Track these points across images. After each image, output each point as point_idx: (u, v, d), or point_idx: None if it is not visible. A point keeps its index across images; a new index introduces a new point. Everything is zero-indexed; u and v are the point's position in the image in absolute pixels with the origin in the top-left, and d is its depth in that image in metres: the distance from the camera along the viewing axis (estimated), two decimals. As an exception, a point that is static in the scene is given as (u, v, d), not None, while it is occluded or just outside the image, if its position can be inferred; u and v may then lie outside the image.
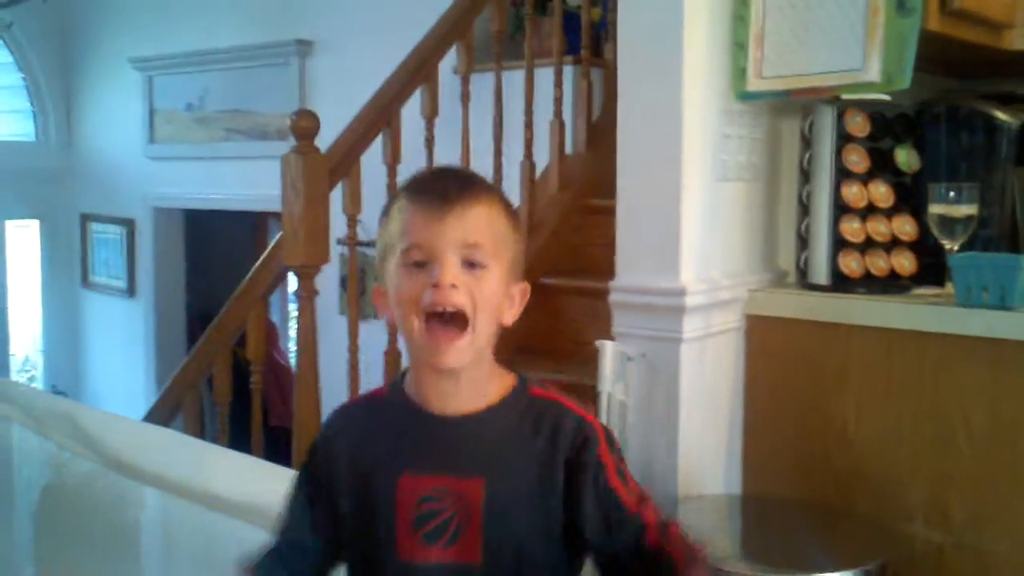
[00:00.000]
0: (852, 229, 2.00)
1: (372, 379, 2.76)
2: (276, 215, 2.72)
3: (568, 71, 3.32)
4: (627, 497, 1.13)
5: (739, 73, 1.97)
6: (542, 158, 3.24)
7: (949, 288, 1.86)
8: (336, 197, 2.68)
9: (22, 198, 5.87)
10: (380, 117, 2.84)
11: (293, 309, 6.58)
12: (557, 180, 3.21)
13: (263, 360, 3.01)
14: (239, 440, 2.93)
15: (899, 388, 1.86)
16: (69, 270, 6.06)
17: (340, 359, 2.80)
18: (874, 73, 1.81)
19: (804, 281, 2.07)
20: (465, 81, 3.08)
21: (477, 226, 1.10)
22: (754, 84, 1.95)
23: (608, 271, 2.03)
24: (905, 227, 2.03)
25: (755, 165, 2.07)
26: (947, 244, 1.90)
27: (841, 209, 2.00)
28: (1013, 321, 1.72)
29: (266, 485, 2.08)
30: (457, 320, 1.09)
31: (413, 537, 1.12)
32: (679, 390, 1.90)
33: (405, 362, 1.20)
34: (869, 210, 2.01)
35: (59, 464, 2.66)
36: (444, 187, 1.12)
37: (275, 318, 6.18)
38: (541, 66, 3.22)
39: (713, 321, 1.97)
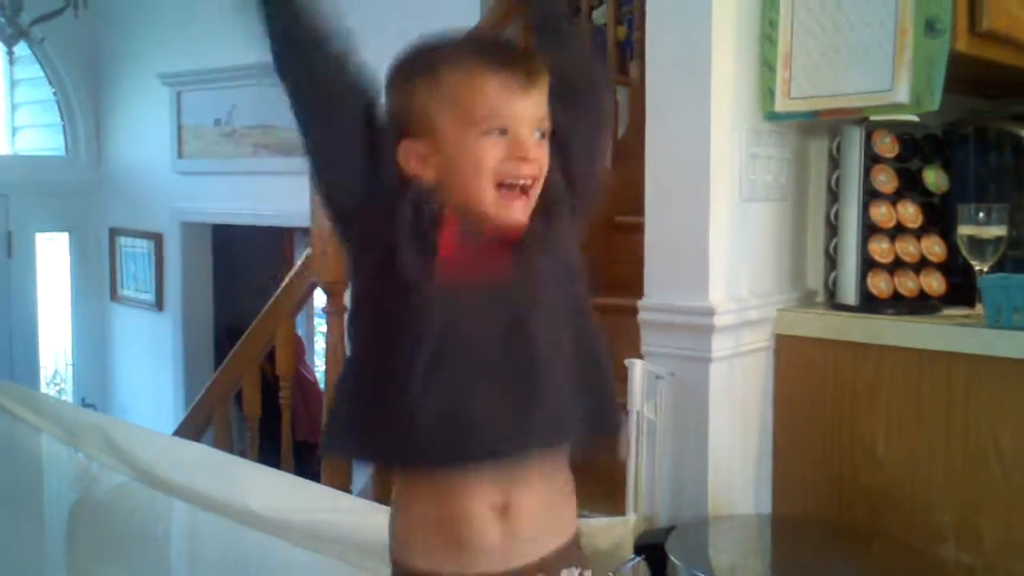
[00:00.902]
0: (881, 249, 2.00)
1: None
2: (302, 230, 2.75)
3: (594, 89, 3.33)
4: None
5: (767, 94, 1.97)
6: (568, 175, 3.25)
7: (979, 309, 1.86)
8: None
9: (52, 212, 5.95)
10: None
11: (319, 323, 6.63)
12: (583, 197, 3.22)
13: (291, 375, 3.04)
14: (266, 454, 2.96)
15: (929, 409, 1.85)
16: (98, 283, 6.13)
17: (368, 375, 2.82)
18: (903, 94, 1.81)
19: (833, 301, 2.07)
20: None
21: (545, 101, 1.19)
22: (782, 105, 1.96)
23: (633, 288, 2.04)
24: (934, 248, 2.03)
25: (783, 185, 2.08)
26: (977, 265, 1.89)
27: (870, 229, 2.00)
28: (1044, 343, 1.71)
29: (296, 500, 2.11)
30: (530, 187, 1.17)
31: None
32: (708, 409, 1.90)
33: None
34: (898, 230, 2.01)
35: (89, 477, 2.70)
36: (524, 62, 1.18)
37: (300, 332, 6.22)
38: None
39: (742, 340, 1.97)
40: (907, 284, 2.00)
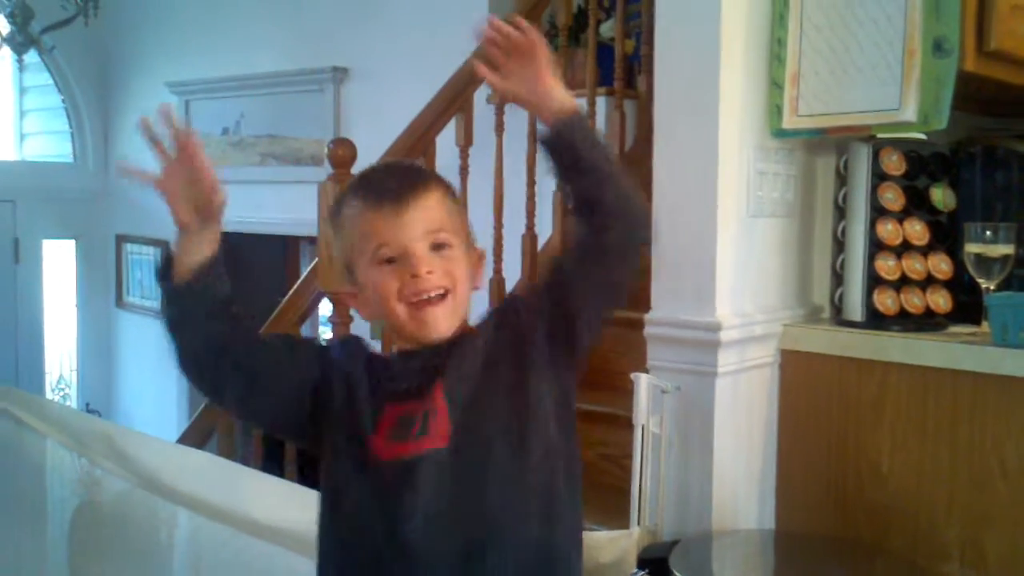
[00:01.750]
0: (887, 266, 2.00)
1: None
2: (308, 239, 2.76)
3: (601, 102, 3.35)
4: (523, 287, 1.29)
5: (775, 111, 1.98)
6: (575, 188, 3.26)
7: (985, 327, 1.86)
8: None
9: (59, 218, 5.97)
10: (416, 146, 2.88)
11: (323, 331, 6.63)
12: (590, 209, 3.23)
13: (296, 384, 3.04)
14: (269, 461, 2.96)
15: (934, 426, 1.86)
16: (104, 290, 6.15)
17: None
18: (910, 113, 1.82)
19: (839, 317, 2.08)
20: (499, 111, 3.11)
21: (435, 213, 1.23)
22: (790, 122, 1.97)
23: (638, 300, 2.05)
24: (941, 265, 2.03)
25: (790, 201, 2.08)
26: (983, 283, 1.90)
27: (876, 246, 2.00)
28: (1050, 362, 1.72)
29: (299, 510, 2.11)
30: (441, 297, 1.21)
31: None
32: (713, 424, 1.91)
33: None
34: (904, 248, 2.02)
35: (93, 483, 2.70)
36: (396, 185, 1.23)
37: (304, 340, 6.21)
38: (574, 97, 3.24)
39: (748, 355, 1.98)
40: (913, 301, 2.00)
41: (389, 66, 4.36)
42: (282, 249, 6.55)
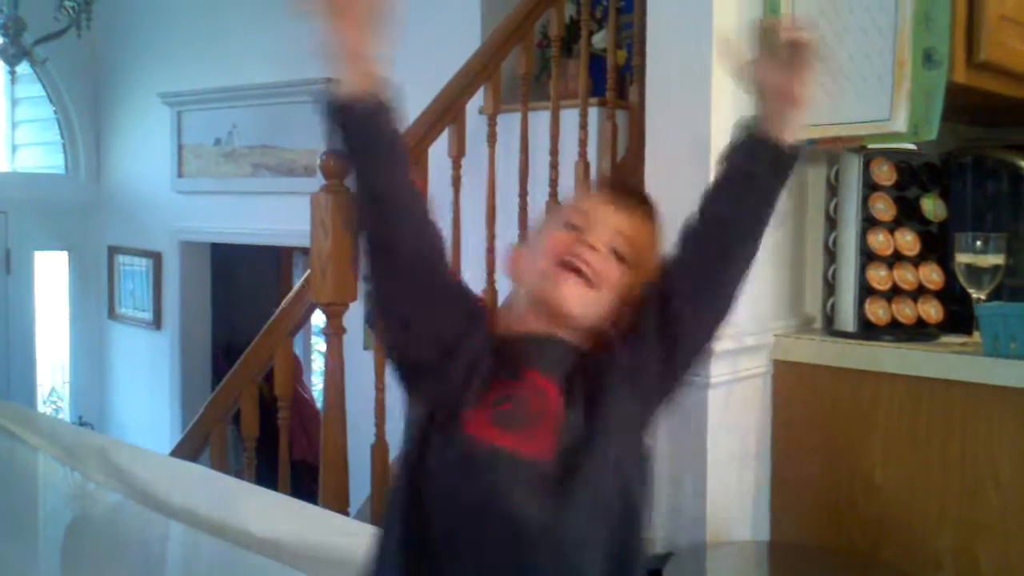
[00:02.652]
0: (879, 277, 2.01)
1: (397, 415, 2.77)
2: (301, 249, 2.75)
3: (593, 112, 3.35)
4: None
5: (766, 122, 1.98)
6: (567, 197, 3.27)
7: (976, 337, 1.87)
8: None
9: (51, 230, 5.95)
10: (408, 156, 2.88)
11: (316, 342, 6.62)
12: (582, 220, 3.24)
13: (289, 396, 3.03)
14: (263, 474, 2.95)
15: (926, 436, 1.86)
16: (96, 302, 6.13)
17: (364, 394, 2.82)
18: (901, 124, 1.83)
19: (831, 327, 2.08)
20: (492, 121, 3.11)
21: (639, 229, 1.22)
22: (781, 133, 1.97)
23: (633, 313, 2.05)
24: (932, 275, 2.04)
25: (781, 212, 2.07)
26: (974, 293, 1.90)
27: (868, 257, 2.01)
28: (1041, 372, 1.72)
29: (293, 522, 2.10)
30: (586, 280, 1.18)
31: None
32: (706, 435, 1.91)
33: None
34: (896, 258, 2.02)
35: (86, 496, 2.69)
36: (632, 189, 1.30)
37: (298, 351, 6.22)
38: (566, 107, 3.26)
39: (740, 366, 1.98)
40: (905, 311, 2.01)
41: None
42: (275, 260, 6.56)
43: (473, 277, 2.87)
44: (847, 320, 2.03)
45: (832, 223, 2.09)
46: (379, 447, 2.75)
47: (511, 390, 1.15)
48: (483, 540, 1.10)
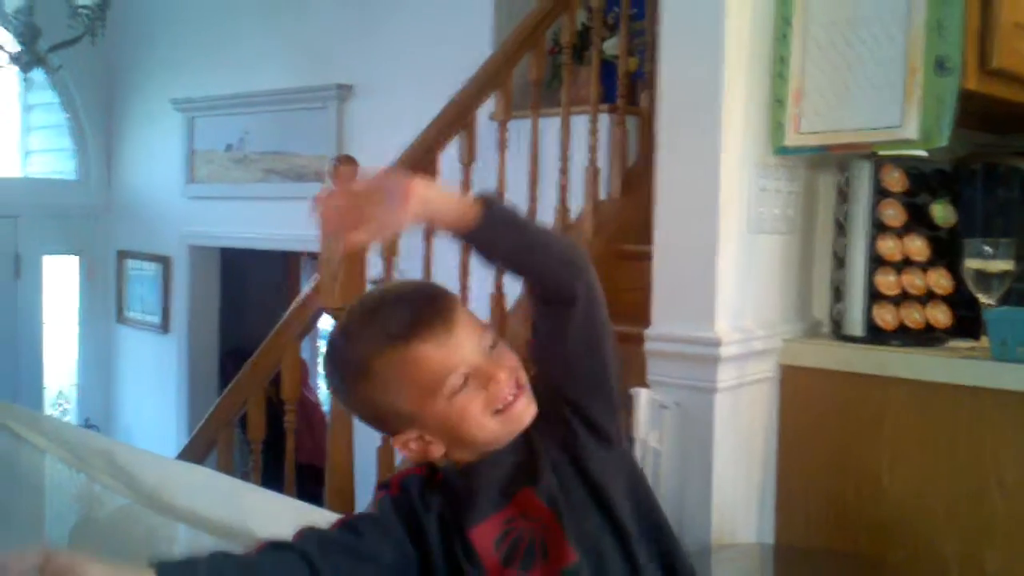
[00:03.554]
0: (887, 282, 2.01)
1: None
2: (310, 254, 2.76)
3: (604, 119, 3.36)
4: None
5: (777, 128, 1.99)
6: (577, 204, 3.27)
7: (984, 342, 1.87)
8: (371, 239, 2.71)
9: (62, 235, 5.98)
10: (419, 163, 2.89)
11: (322, 345, 6.63)
12: (591, 225, 3.24)
13: (296, 399, 3.04)
14: (269, 477, 2.95)
15: (933, 440, 1.86)
16: (105, 305, 6.15)
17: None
18: (912, 131, 1.83)
19: (838, 332, 2.08)
20: (502, 128, 3.12)
21: (469, 320, 1.18)
22: (792, 139, 1.98)
23: (639, 316, 2.05)
24: (941, 281, 2.04)
25: (791, 218, 2.09)
26: (983, 299, 1.90)
27: (876, 262, 2.01)
28: (1049, 377, 1.72)
29: (299, 525, 2.10)
30: (520, 389, 1.18)
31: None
32: (713, 439, 1.91)
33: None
34: (905, 263, 2.02)
35: (92, 498, 2.69)
36: (432, 311, 1.15)
37: (304, 354, 6.22)
38: (577, 113, 3.26)
39: (748, 371, 1.98)
40: (913, 316, 2.01)
41: (392, 83, 4.38)
42: (284, 265, 6.57)
43: (480, 282, 2.87)
44: (855, 325, 2.02)
45: (842, 229, 2.09)
46: (384, 451, 2.75)
47: (505, 526, 1.18)
48: None
